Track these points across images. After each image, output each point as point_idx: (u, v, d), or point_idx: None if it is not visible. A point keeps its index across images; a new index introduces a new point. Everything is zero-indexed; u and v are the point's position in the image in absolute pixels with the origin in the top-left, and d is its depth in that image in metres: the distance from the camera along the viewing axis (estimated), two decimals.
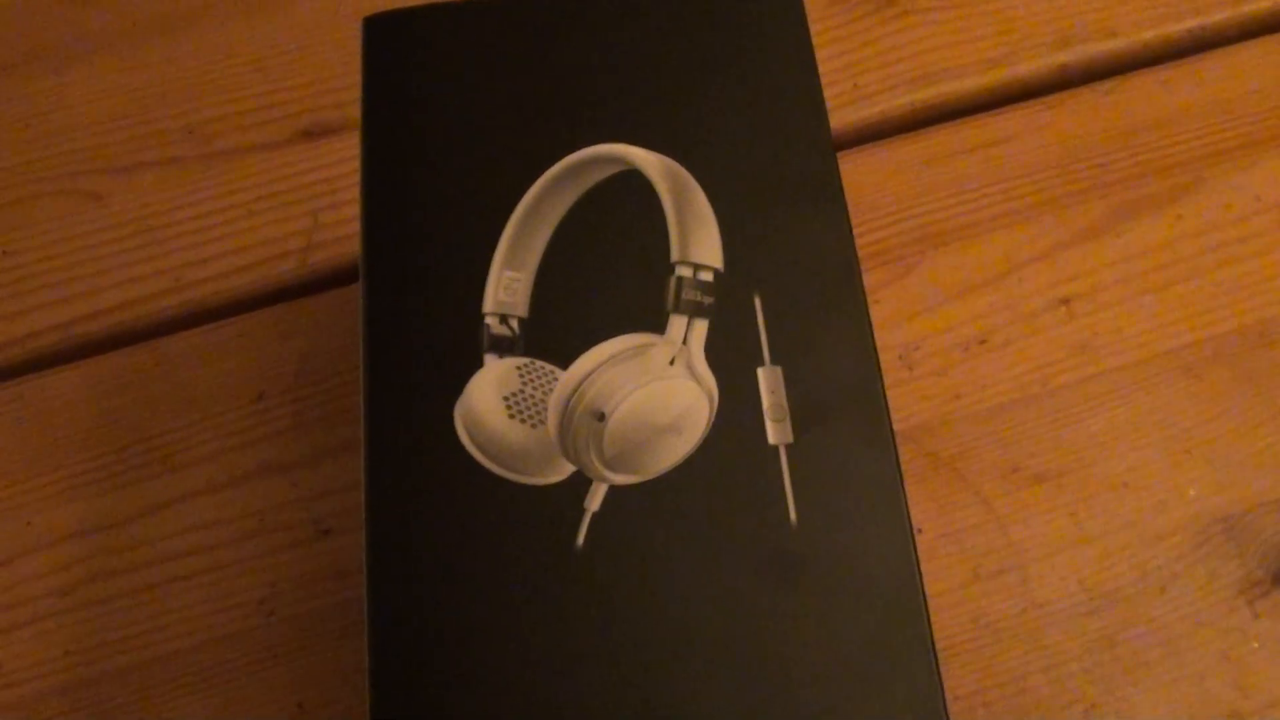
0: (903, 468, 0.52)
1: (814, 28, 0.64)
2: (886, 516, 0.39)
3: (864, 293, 0.42)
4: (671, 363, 0.41)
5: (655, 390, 0.40)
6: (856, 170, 0.61)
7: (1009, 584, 0.52)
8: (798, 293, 0.42)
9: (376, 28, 0.48)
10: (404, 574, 0.39)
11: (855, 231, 0.59)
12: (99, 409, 0.57)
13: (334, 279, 0.59)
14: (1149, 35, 0.64)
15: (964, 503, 0.53)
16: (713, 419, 0.41)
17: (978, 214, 0.59)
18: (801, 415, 0.41)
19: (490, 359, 0.42)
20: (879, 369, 0.41)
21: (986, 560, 0.52)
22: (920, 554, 0.51)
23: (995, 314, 0.57)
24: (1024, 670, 0.50)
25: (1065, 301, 0.57)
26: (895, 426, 0.55)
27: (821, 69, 0.63)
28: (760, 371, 0.41)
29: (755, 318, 0.42)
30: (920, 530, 0.53)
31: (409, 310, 0.43)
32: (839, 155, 0.61)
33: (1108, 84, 0.62)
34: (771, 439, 0.40)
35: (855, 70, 0.63)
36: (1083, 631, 0.51)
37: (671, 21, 0.47)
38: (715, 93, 0.46)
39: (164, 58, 0.65)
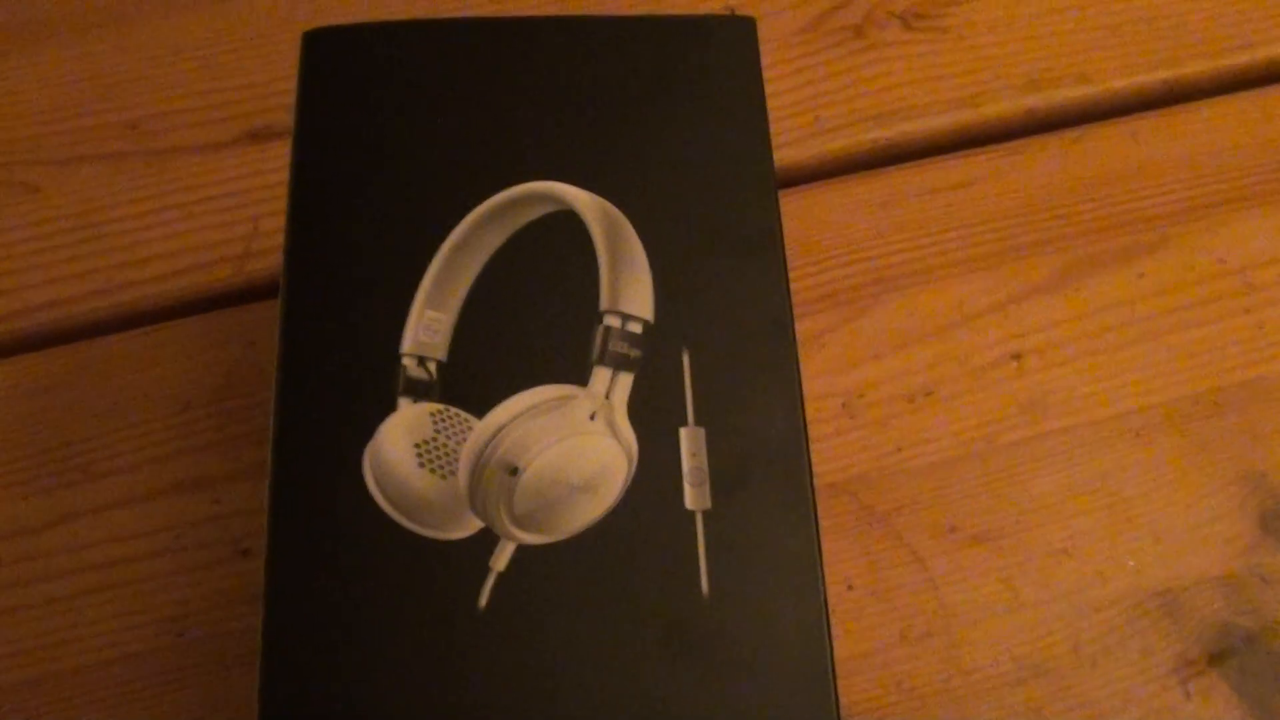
0: (838, 520, 0.51)
1: (779, 55, 0.62)
2: (801, 591, 0.38)
3: (795, 354, 0.41)
4: (592, 417, 0.40)
5: (572, 446, 0.39)
6: (813, 206, 0.59)
7: (936, 648, 0.51)
8: (727, 349, 0.41)
9: (317, 43, 0.46)
10: (299, 620, 0.38)
11: (808, 271, 0.58)
12: (20, 411, 0.55)
13: (271, 289, 0.58)
14: (1121, 84, 0.62)
15: (898, 560, 0.52)
16: (630, 479, 0.39)
17: (933, 260, 0.58)
18: (722, 479, 0.39)
19: (404, 402, 0.40)
20: (805, 435, 0.40)
21: (916, 622, 0.51)
22: (848, 611, 0.50)
23: (944, 365, 0.56)
24: None
25: (1017, 356, 0.56)
26: (833, 477, 0.53)
27: (784, 99, 0.62)
28: (683, 432, 0.40)
29: (682, 374, 0.41)
30: (851, 587, 0.52)
31: (326, 341, 0.41)
32: (795, 190, 0.60)
33: (1076, 132, 0.61)
34: (689, 504, 0.39)
35: (819, 102, 0.62)
36: (1008, 703, 0.50)
37: (619, 54, 0.46)
38: (659, 130, 0.44)
39: (112, 48, 0.63)
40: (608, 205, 0.43)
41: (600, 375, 0.40)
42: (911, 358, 0.56)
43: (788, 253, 0.57)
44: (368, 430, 0.40)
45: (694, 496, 0.39)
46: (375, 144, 0.44)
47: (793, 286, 0.57)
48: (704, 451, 0.40)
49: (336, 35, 0.46)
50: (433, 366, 0.41)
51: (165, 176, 0.60)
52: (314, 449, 0.40)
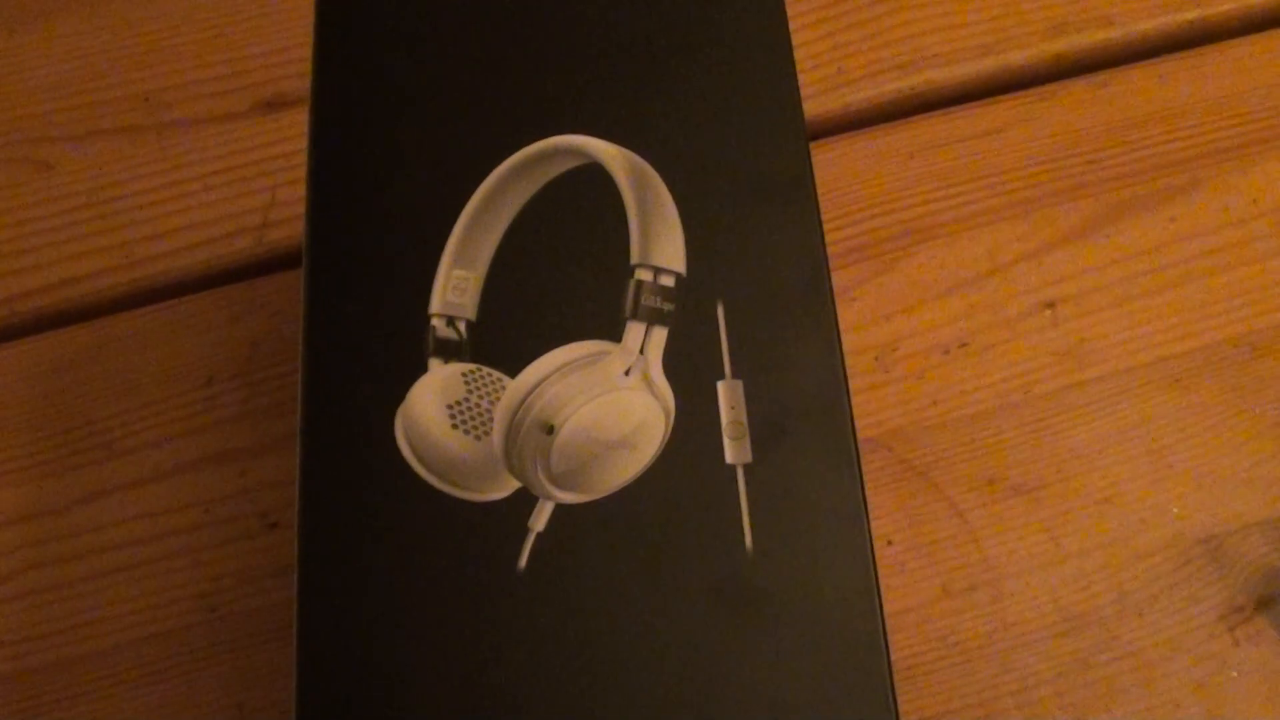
0: (876, 475, 0.50)
1: (800, 7, 0.61)
2: (847, 544, 0.37)
3: (833, 302, 0.40)
4: (627, 373, 0.39)
5: (608, 403, 0.38)
6: (839, 159, 0.58)
7: (980, 601, 0.50)
8: (763, 301, 0.40)
9: (331, 2, 0.45)
10: (334, 588, 0.37)
11: (836, 224, 0.57)
12: (41, 390, 0.54)
13: (291, 259, 0.57)
14: (1147, 26, 0.61)
15: (937, 514, 0.51)
16: (668, 435, 0.38)
17: (963, 209, 0.57)
18: (762, 432, 0.38)
19: (435, 364, 0.39)
20: (846, 384, 0.39)
21: (958, 576, 0.50)
22: (889, 567, 0.49)
23: (977, 315, 0.55)
24: (993, 693, 0.48)
25: (1050, 305, 0.55)
26: (869, 432, 0.52)
27: (806, 51, 0.60)
28: (720, 385, 0.39)
29: (717, 327, 0.40)
30: (890, 542, 0.51)
31: (352, 305, 0.40)
32: (820, 143, 0.58)
33: (1102, 76, 0.60)
34: (730, 458, 0.38)
35: (841, 53, 0.61)
36: (1055, 654, 0.49)
37: (646, 5, 0.45)
38: (686, 82, 0.43)
39: (123, 21, 0.62)
40: (634, 157, 0.42)
41: (634, 330, 0.39)
42: (944, 309, 0.55)
43: None
44: (399, 393, 0.39)
45: (734, 450, 0.38)
46: (395, 103, 0.43)
47: None
48: (743, 404, 0.39)
49: None
50: (462, 326, 0.40)
51: (180, 149, 0.59)
52: (344, 415, 0.39)
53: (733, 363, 0.39)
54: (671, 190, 0.41)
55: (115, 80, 0.61)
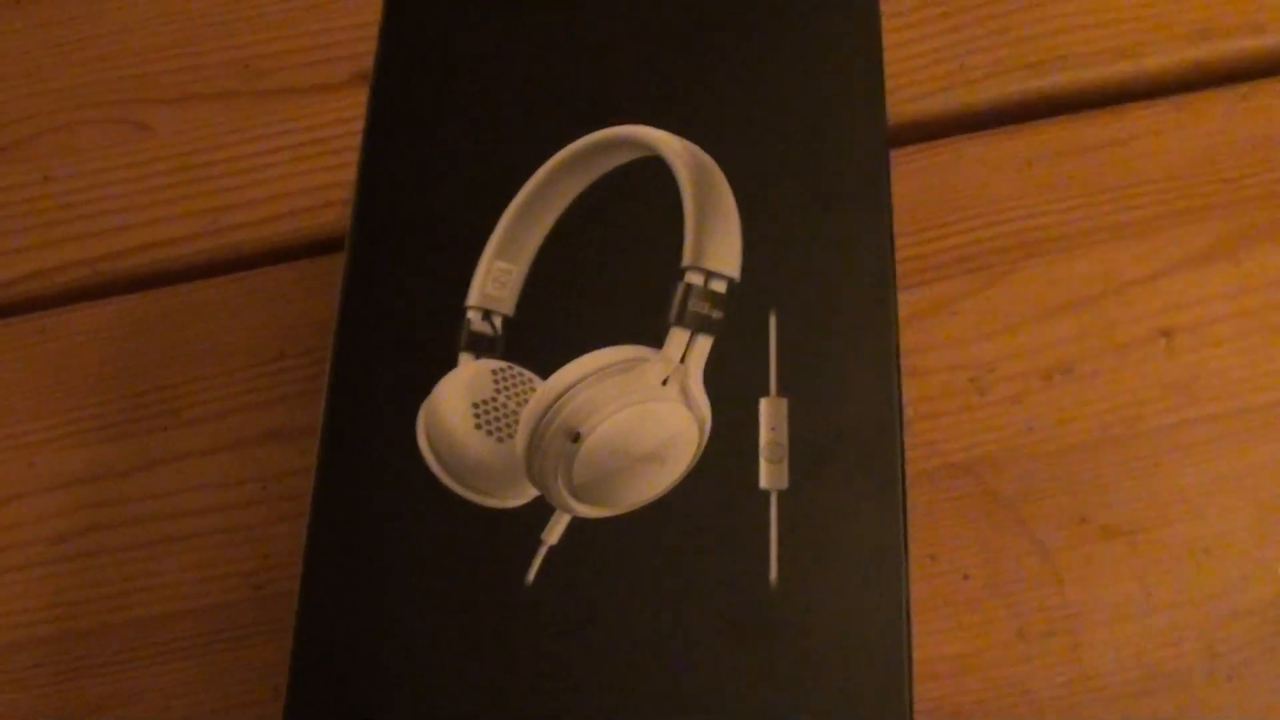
0: (958, 504, 0.47)
1: None
2: (879, 587, 0.34)
3: (895, 323, 0.37)
4: (664, 383, 0.36)
5: (640, 413, 0.36)
6: (953, 161, 0.55)
7: (1057, 649, 0.46)
8: (820, 316, 0.37)
9: None
10: (336, 580, 0.36)
11: (942, 232, 0.53)
12: (116, 352, 0.54)
13: None
14: None
15: (1020, 551, 0.48)
16: (701, 452, 0.36)
17: (1081, 224, 0.53)
18: (802, 457, 0.36)
19: (465, 358, 0.37)
20: (900, 412, 0.36)
21: (1036, 619, 0.47)
22: (962, 604, 0.46)
23: (1085, 339, 0.51)
24: None
25: (1167, 333, 0.51)
26: (955, 457, 0.49)
27: (928, 44, 0.57)
28: (763, 402, 0.36)
29: (767, 339, 0.37)
30: (967, 577, 0.47)
31: (390, 291, 0.39)
32: (935, 143, 0.55)
33: (1246, 87, 0.55)
34: (764, 482, 0.35)
35: (965, 49, 0.57)
36: (1133, 714, 0.45)
37: None
38: (761, 72, 0.41)
39: None
40: (698, 151, 0.39)
41: (677, 337, 0.37)
42: (1051, 330, 0.51)
43: (922, 211, 0.53)
44: (427, 386, 0.37)
45: (770, 474, 0.36)
46: (456, 85, 0.42)
47: (925, 249, 0.53)
48: (785, 425, 0.36)
49: None
50: (499, 321, 0.38)
51: (275, 117, 0.59)
52: (369, 404, 0.37)
53: (779, 380, 0.37)
54: (734, 189, 0.39)
55: (216, 46, 0.60)
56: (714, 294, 0.37)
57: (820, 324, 0.37)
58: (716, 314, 0.37)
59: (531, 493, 0.36)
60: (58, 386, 0.54)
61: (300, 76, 0.59)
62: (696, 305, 0.37)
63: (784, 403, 0.36)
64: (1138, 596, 0.47)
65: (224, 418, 0.52)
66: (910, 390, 0.50)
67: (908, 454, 0.49)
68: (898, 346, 0.37)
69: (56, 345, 0.55)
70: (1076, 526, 0.48)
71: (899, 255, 0.51)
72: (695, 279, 0.37)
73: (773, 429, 0.36)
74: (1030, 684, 0.46)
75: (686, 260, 0.38)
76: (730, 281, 0.38)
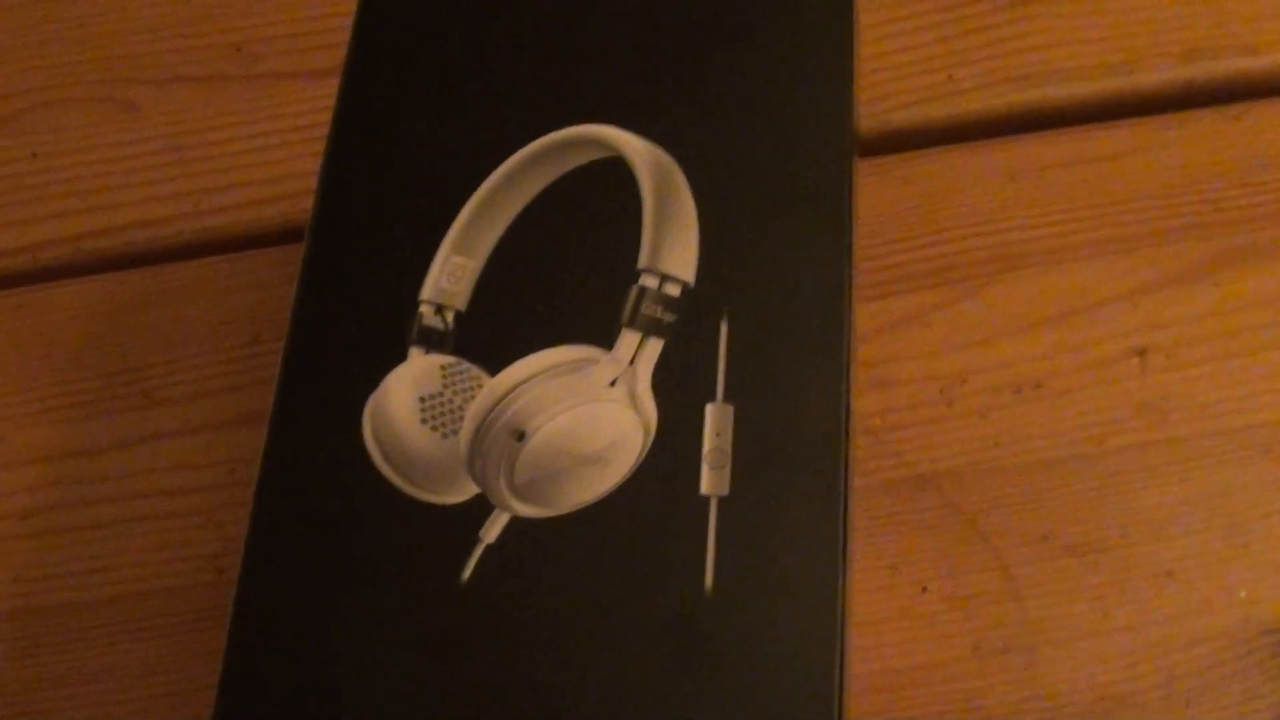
0: (921, 516, 0.47)
1: (916, 6, 0.58)
2: (814, 598, 0.34)
3: (848, 332, 0.37)
4: (612, 384, 0.36)
5: (586, 414, 0.36)
6: (936, 172, 0.54)
7: (1012, 666, 0.46)
8: (772, 323, 0.37)
9: None
10: (277, 572, 0.36)
11: (921, 243, 0.53)
12: (93, 330, 0.54)
13: None
14: None
15: (980, 566, 0.47)
16: (644, 456, 0.36)
17: (1063, 239, 0.53)
18: (745, 464, 0.36)
19: (415, 353, 0.37)
20: (847, 423, 0.36)
21: (993, 635, 0.46)
22: (920, 617, 0.46)
23: (1058, 356, 0.50)
24: None
25: (1141, 352, 0.50)
26: (921, 469, 0.49)
27: (916, 54, 0.57)
28: (709, 408, 0.36)
29: (717, 344, 0.37)
30: (925, 590, 0.47)
31: (346, 282, 0.39)
32: (919, 153, 0.55)
33: (1237, 108, 0.55)
34: (705, 488, 0.35)
35: (954, 60, 0.57)
36: None
37: None
38: (728, 79, 0.40)
39: None
40: (661, 153, 0.39)
41: (628, 339, 0.37)
42: (1023, 345, 0.51)
43: (902, 221, 0.53)
44: (377, 379, 0.37)
45: (711, 480, 0.35)
46: (425, 79, 0.42)
47: (904, 259, 0.53)
48: (729, 432, 0.36)
49: None
50: (450, 316, 0.38)
51: (264, 101, 0.59)
52: (318, 395, 0.38)
53: (727, 386, 0.36)
54: (695, 191, 0.39)
55: (208, 28, 0.60)
56: (667, 297, 0.37)
57: (772, 331, 0.37)
58: (669, 317, 0.37)
59: (474, 490, 0.36)
60: (35, 363, 0.54)
61: (291, 61, 0.59)
62: (649, 308, 0.37)
63: (730, 409, 0.36)
64: (1096, 617, 0.47)
65: (196, 400, 0.53)
66: (879, 400, 0.50)
67: (873, 464, 0.49)
68: (850, 356, 0.37)
69: (35, 321, 0.55)
70: (1039, 543, 0.48)
71: (877, 264, 0.51)
72: (649, 281, 0.37)
73: (717, 435, 0.36)
74: (983, 700, 0.46)
75: (642, 262, 0.38)
76: (684, 286, 0.37)
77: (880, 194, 0.53)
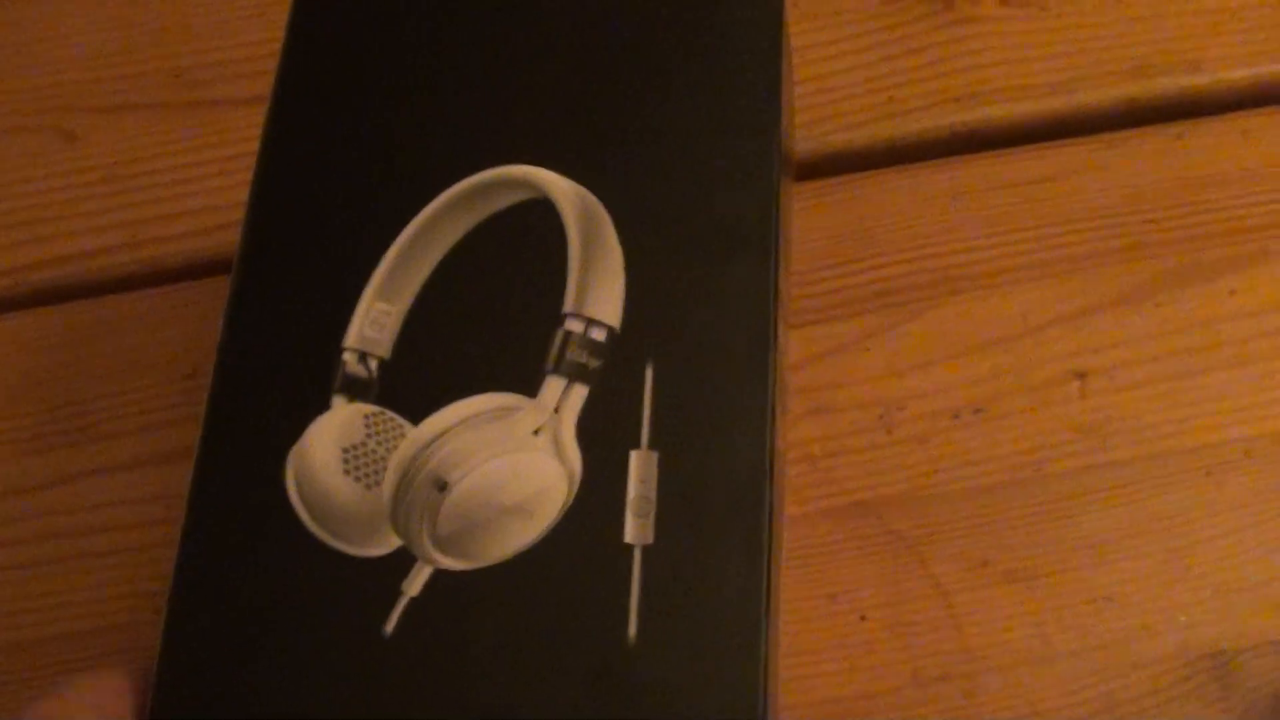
0: (861, 544, 0.47)
1: (858, 28, 0.57)
2: (737, 647, 0.34)
3: (772, 375, 0.37)
4: (537, 433, 0.36)
5: (509, 464, 0.36)
6: (876, 195, 0.54)
7: (950, 694, 0.46)
8: (697, 367, 0.37)
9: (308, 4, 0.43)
10: (199, 624, 0.36)
11: (861, 267, 0.53)
12: (31, 365, 0.54)
13: None
14: (1239, 75, 0.55)
15: (920, 593, 0.48)
16: (568, 505, 0.36)
17: (1003, 261, 0.53)
18: (670, 512, 0.35)
19: (338, 402, 0.37)
20: (770, 470, 0.36)
21: (932, 663, 0.47)
22: (859, 646, 0.46)
23: (999, 379, 0.51)
24: None
25: (1081, 375, 0.50)
26: (860, 496, 0.49)
27: (857, 75, 0.57)
28: (633, 455, 0.36)
29: (643, 390, 0.37)
30: (864, 618, 0.47)
31: (271, 328, 0.39)
32: (860, 176, 0.55)
33: (1180, 126, 0.55)
34: (629, 537, 0.35)
35: (896, 81, 0.56)
36: None
37: (631, 23, 0.42)
38: (655, 114, 0.40)
39: None
40: (587, 196, 0.39)
41: (552, 386, 0.37)
42: (963, 369, 0.51)
43: (843, 244, 0.53)
44: (301, 425, 0.37)
45: (635, 529, 0.35)
46: (351, 114, 0.41)
47: (844, 283, 0.53)
48: (654, 479, 0.36)
49: None
50: (374, 364, 0.38)
51: (207, 129, 0.58)
52: (241, 444, 0.37)
53: (652, 432, 0.36)
54: (620, 234, 0.38)
55: (150, 54, 0.60)
56: (593, 342, 0.37)
57: (697, 376, 0.37)
58: (594, 363, 0.37)
59: (396, 542, 0.36)
60: None
61: (232, 89, 0.59)
62: (574, 354, 0.37)
63: (655, 456, 0.36)
64: (1036, 642, 0.47)
65: (132, 435, 0.52)
66: (818, 427, 0.50)
67: (812, 491, 0.49)
68: (776, 397, 0.37)
69: None
70: (978, 569, 0.48)
71: (816, 289, 0.51)
72: (575, 326, 0.37)
73: (642, 482, 0.36)
74: None
75: (567, 307, 0.38)
76: (610, 330, 0.37)
77: (820, 217, 0.53)
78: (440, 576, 0.35)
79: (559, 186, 0.39)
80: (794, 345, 0.51)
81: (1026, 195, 0.54)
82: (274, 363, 0.38)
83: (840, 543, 0.48)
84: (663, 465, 0.36)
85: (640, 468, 0.36)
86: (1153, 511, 0.48)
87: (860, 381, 0.51)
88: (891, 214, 0.54)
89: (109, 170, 0.57)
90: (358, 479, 0.36)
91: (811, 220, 0.53)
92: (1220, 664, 0.46)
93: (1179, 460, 0.49)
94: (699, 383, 0.37)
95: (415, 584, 0.35)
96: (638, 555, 0.35)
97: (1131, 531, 0.48)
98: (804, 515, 0.49)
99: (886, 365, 0.51)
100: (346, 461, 0.36)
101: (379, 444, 0.37)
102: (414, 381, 0.37)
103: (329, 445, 0.37)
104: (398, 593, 0.35)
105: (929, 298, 0.52)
